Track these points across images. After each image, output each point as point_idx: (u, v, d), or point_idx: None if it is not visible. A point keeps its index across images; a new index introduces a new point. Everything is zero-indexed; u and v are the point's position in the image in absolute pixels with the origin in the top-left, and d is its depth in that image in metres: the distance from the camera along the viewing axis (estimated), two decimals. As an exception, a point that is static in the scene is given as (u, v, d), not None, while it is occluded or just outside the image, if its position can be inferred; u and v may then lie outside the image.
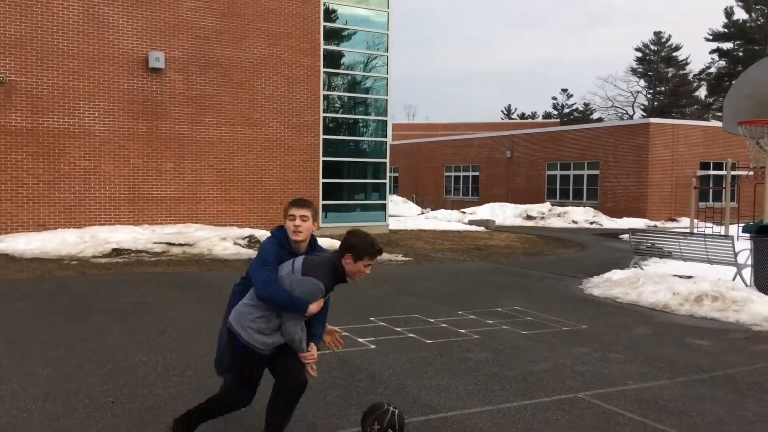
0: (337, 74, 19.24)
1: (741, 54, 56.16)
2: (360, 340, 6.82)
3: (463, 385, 5.36)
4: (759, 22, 56.24)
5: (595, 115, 72.17)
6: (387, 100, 19.98)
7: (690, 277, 9.96)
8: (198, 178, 16.94)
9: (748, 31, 56.26)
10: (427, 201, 38.62)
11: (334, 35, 19.16)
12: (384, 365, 5.91)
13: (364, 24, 19.45)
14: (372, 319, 7.89)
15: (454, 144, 39.14)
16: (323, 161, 18.65)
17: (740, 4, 56.67)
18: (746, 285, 9.80)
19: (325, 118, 18.80)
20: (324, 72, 18.66)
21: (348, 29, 19.38)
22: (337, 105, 19.49)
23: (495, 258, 14.91)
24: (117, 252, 13.53)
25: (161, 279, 10.78)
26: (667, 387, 5.44)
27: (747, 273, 10.22)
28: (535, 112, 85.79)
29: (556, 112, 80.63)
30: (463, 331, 7.34)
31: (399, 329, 7.36)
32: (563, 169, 31.74)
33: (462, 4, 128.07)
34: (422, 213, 31.09)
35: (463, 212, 28.97)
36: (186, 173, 16.80)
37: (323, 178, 18.68)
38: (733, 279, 10.15)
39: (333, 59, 19.08)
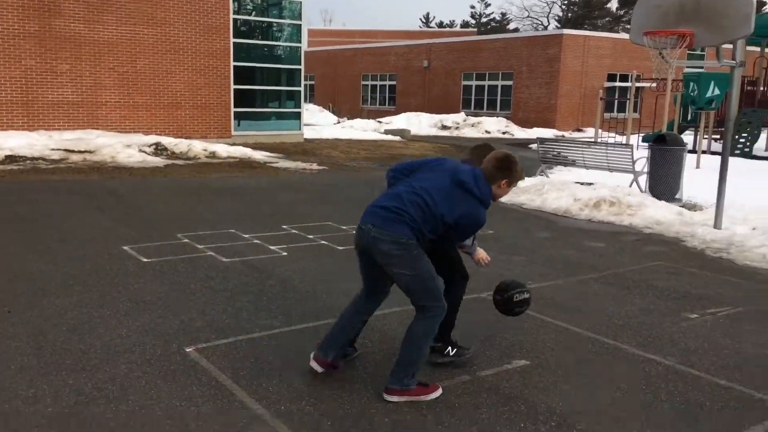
0: (247, -28, 18.17)
1: (652, -33, 57.02)
2: (272, 247, 6.81)
3: (372, 289, 5.48)
4: (671, -65, 56.94)
5: (512, 26, 72.33)
6: (301, 3, 19.14)
7: (591, 184, 10.44)
8: (98, 81, 15.90)
9: (660, -56, 56.96)
10: (344, 110, 38.10)
11: (243, -71, 17.94)
12: (295, 271, 5.95)
13: None
14: (284, 226, 7.87)
15: (372, 52, 38.37)
16: (234, 66, 17.87)
17: None
18: (641, 191, 10.38)
19: (235, 20, 17.86)
20: (233, -30, 17.56)
21: (258, -77, 18.17)
22: (248, 7, 18.53)
23: (409, 167, 15.04)
24: (11, 159, 12.71)
25: (60, 187, 10.26)
26: (563, 286, 5.78)
27: (643, 180, 10.81)
28: (453, 21, 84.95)
29: (473, 21, 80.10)
30: (374, 237, 7.44)
31: (311, 236, 7.38)
32: (479, 79, 31.91)
33: None
34: (338, 122, 30.72)
35: (380, 122, 28.85)
36: (84, 76, 15.71)
37: (235, 84, 17.96)
38: (630, 185, 10.72)
39: (242, -44, 17.95)
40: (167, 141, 15.21)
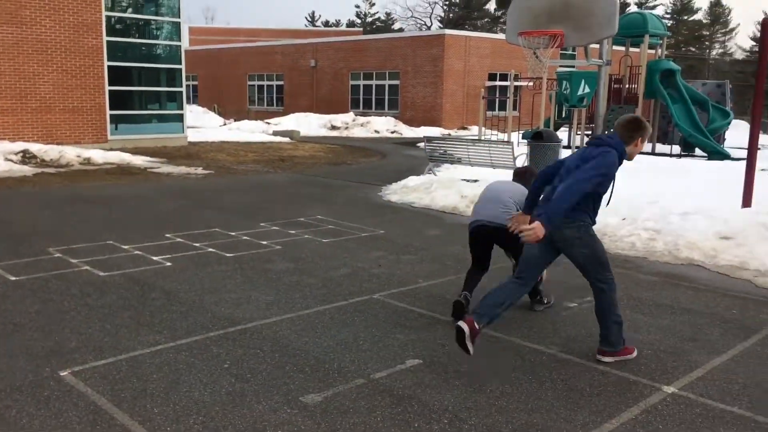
0: (119, -32, 17.27)
1: (526, -30, 59.82)
2: (154, 258, 6.50)
3: (263, 296, 5.37)
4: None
5: (397, 25, 73.50)
6: (180, 0, 18.45)
7: (476, 180, 10.77)
8: (-47, 84, 14.56)
9: (532, -51, 59.89)
10: (230, 111, 37.18)
11: None
12: (180, 282, 5.71)
13: None
14: (168, 235, 7.54)
15: (257, 51, 37.69)
16: (109, 66, 16.94)
17: None
18: (523, 186, 10.84)
19: (109, 17, 16.93)
20: (103, -35, 16.63)
21: None
22: (123, 4, 17.62)
23: (299, 169, 14.91)
24: None
25: None
26: (452, 282, 5.92)
27: (524, 175, 11.29)
28: (339, 20, 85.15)
29: (359, 21, 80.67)
30: (265, 242, 7.30)
31: (197, 244, 7.12)
32: (366, 78, 32.16)
33: None
34: (225, 124, 29.95)
35: (268, 123, 28.42)
36: (-63, 79, 14.33)
37: (110, 85, 17.03)
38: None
39: (113, -49, 17.03)
40: (36, 148, 14.19)
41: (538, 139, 10.76)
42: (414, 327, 4.72)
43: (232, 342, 4.36)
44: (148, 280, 5.73)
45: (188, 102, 24.67)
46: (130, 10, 17.74)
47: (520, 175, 5.41)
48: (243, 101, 38.02)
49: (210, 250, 6.90)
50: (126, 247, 6.92)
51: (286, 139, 23.12)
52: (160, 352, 4.18)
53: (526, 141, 13.63)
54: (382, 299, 5.37)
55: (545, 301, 5.26)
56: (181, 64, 18.78)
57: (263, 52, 37.15)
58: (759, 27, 9.11)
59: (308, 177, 13.45)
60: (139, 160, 14.76)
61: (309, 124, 28.12)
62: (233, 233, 7.74)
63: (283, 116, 30.17)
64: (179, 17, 18.63)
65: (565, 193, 3.89)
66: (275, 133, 25.06)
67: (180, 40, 18.87)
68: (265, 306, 5.12)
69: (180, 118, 19.06)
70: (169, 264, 6.29)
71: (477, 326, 3.94)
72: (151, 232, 7.69)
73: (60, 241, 7.10)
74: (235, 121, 31.07)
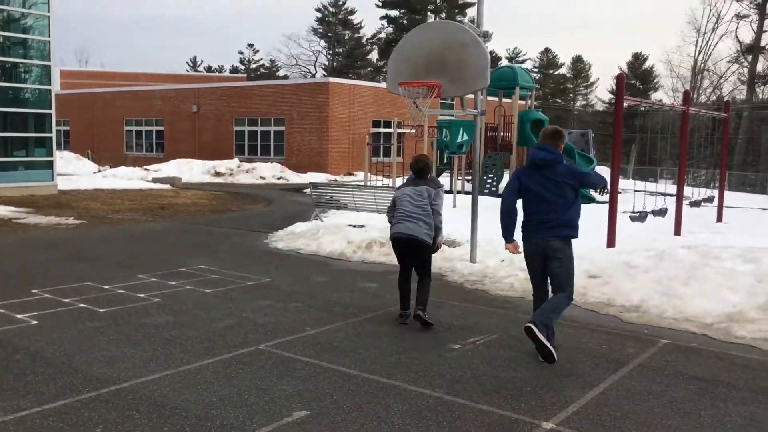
0: (-18, 8, 16.27)
1: (406, 21, 62.35)
2: (18, 316, 6.00)
3: (140, 353, 5.09)
4: (420, -5, 63.06)
5: (281, 72, 73.82)
6: (50, 42, 17.61)
7: (362, 226, 10.90)
8: None
9: (411, 1, 62.70)
10: (106, 158, 35.46)
11: (-24, -40, 16.11)
12: (48, 341, 5.29)
13: (15, -49, 16.70)
14: (34, 291, 7.00)
15: (136, 96, 36.45)
16: (-32, 111, 15.77)
17: (405, -24, 62.72)
18: (408, 230, 11.09)
19: (-31, 59, 15.84)
20: (-37, 3, 15.63)
21: (-6, -45, 16.44)
22: (-14, 45, 16.57)
23: (180, 216, 14.43)
24: None
25: None
26: (340, 329, 5.90)
27: (408, 220, 11.56)
28: (222, 66, 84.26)
29: (243, 67, 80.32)
30: (142, 295, 6.96)
31: (67, 300, 6.66)
32: (251, 124, 31.92)
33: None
34: (99, 171, 28.56)
35: (147, 169, 27.38)
36: None
37: (-29, 130, 15.83)
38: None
39: (-24, -11, 16.06)
40: None
41: (421, 185, 11.08)
42: (301, 377, 4.64)
43: (105, 404, 4.08)
44: (11, 341, 5.27)
45: (59, 148, 23.36)
46: (-7, 51, 16.70)
47: (422, 171, 6.22)
48: (120, 147, 36.46)
49: (81, 305, 6.48)
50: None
51: (167, 186, 22.37)
52: (25, 419, 3.84)
53: (409, 186, 13.97)
54: (269, 350, 5.25)
55: (427, 317, 5.91)
56: (51, 108, 17.83)
57: (142, 97, 35.99)
58: (615, 81, 10.07)
59: (191, 225, 13.04)
60: (3, 210, 13.70)
61: (191, 170, 27.38)
62: (107, 287, 7.32)
63: (164, 162, 29.18)
64: (49, 60, 17.74)
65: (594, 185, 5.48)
66: (155, 180, 24.18)
67: (50, 84, 17.94)
68: (141, 363, 4.85)
69: (49, 165, 17.98)
70: (35, 322, 5.83)
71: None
72: (15, 288, 7.11)
73: None
74: (111, 167, 29.68)
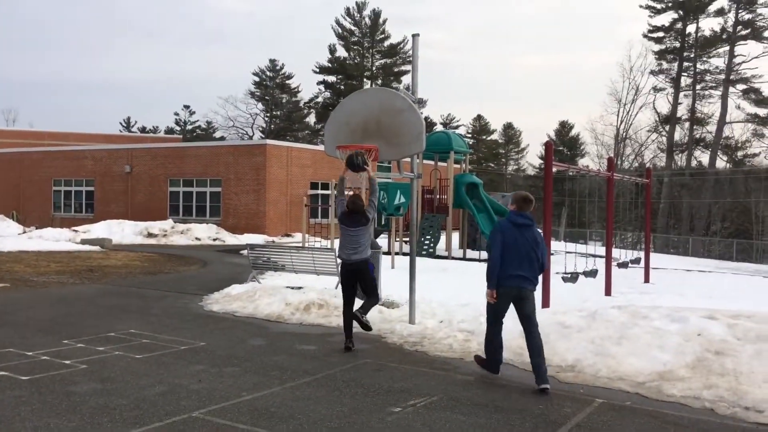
0: None
1: (342, 87, 63.79)
2: (-71, 387, 5.59)
3: (65, 423, 4.81)
4: (356, 61, 64.83)
5: (218, 134, 73.55)
6: (-24, 99, 17.09)
7: (300, 288, 10.79)
8: None
9: (347, 68, 64.35)
10: (32, 218, 34.06)
11: None
12: (-38, 414, 4.94)
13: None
14: (-52, 359, 6.56)
15: (65, 155, 35.46)
16: None
17: (341, 42, 64.55)
18: (346, 292, 11.04)
19: None
20: None
21: None
22: None
23: (110, 279, 13.92)
24: None
25: None
26: (277, 393, 5.75)
27: (347, 281, 11.53)
28: (157, 127, 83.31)
29: (179, 128, 79.69)
30: (68, 362, 6.62)
31: (-15, 368, 6.26)
32: (186, 185, 31.47)
33: (67, 9, 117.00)
34: (24, 232, 27.38)
35: (76, 231, 26.46)
36: None
37: None
38: (336, 287, 11.34)
39: None
40: None
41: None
42: (237, 445, 4.48)
43: (24, 481, 3.82)
44: None
45: (-19, 208, 22.37)
46: None
47: (358, 210, 7.60)
48: (47, 208, 35.16)
49: (2, 373, 6.10)
50: None
51: (97, 248, 21.63)
52: (-69, 502, 3.53)
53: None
54: (202, 417, 5.06)
55: (365, 320, 7.46)
56: (-26, 166, 17.12)
57: (71, 157, 35.05)
58: (544, 148, 10.53)
59: (121, 288, 12.58)
60: None
61: (123, 231, 26.61)
62: (30, 353, 6.93)
63: (94, 223, 28.27)
64: (-25, 117, 17.16)
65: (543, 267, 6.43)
66: (84, 242, 23.35)
67: (-25, 142, 17.29)
68: (67, 435, 4.58)
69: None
70: (-53, 394, 5.45)
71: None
72: (-74, 356, 6.65)
73: None
74: (37, 228, 28.54)
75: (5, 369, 6.26)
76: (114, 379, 6.07)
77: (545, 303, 9.30)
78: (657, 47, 54.02)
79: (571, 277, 11.52)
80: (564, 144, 72.47)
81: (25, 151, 37.16)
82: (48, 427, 4.73)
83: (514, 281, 6.21)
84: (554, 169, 10.84)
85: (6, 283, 12.61)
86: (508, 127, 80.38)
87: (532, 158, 78.87)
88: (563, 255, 14.58)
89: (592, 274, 12.07)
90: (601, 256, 15.20)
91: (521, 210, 6.45)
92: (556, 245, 18.80)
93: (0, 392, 5.53)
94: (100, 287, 12.63)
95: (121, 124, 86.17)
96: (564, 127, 74.85)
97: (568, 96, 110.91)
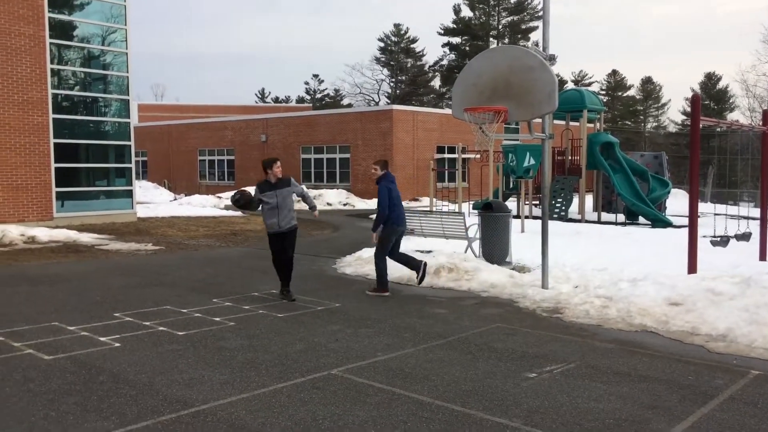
0: (68, 47, 17.29)
1: (467, 48, 62.59)
2: (102, 339, 6.24)
3: (217, 375, 5.18)
4: (482, 20, 63.21)
5: (345, 101, 75.13)
6: (128, 77, 18.51)
7: (430, 251, 10.85)
8: None
9: (473, 28, 62.92)
10: (181, 186, 36.86)
11: (64, 3, 17.17)
12: (130, 363, 5.47)
13: (98, -8, 17.72)
14: (116, 314, 7.27)
15: (208, 127, 37.84)
16: (55, 143, 16.69)
17: (466, 2, 63.10)
18: (476, 256, 10.96)
19: (56, 95, 16.82)
20: (52, 44, 16.65)
21: (80, -3, 17.50)
22: (70, 81, 17.55)
23: (252, 242, 14.76)
24: None
25: None
26: (411, 355, 5.85)
27: (476, 245, 11.44)
28: (289, 97, 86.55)
29: (309, 97, 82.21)
30: (218, 319, 7.12)
31: (148, 323, 6.88)
32: (317, 152, 32.53)
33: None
34: (175, 199, 29.64)
35: (219, 197, 28.24)
36: None
37: (56, 162, 16.73)
38: (465, 251, 11.29)
39: (63, 30, 17.10)
40: (-25, 226, 13.68)
41: (488, 210, 10.97)
42: (374, 403, 4.61)
43: (185, 426, 4.16)
44: (95, 363, 5.47)
45: (138, 178, 24.38)
46: (77, 87, 17.68)
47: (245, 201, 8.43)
48: (194, 176, 37.82)
49: (161, 328, 6.68)
50: (72, 328, 6.64)
51: (239, 213, 22.96)
52: (108, 441, 3.95)
53: (476, 211, 13.86)
54: (340, 374, 5.25)
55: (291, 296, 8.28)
56: (130, 140, 18.67)
57: (214, 128, 37.32)
58: (689, 102, 9.70)
59: (261, 251, 13.30)
60: (86, 238, 14.37)
61: (260, 198, 28.04)
62: (185, 310, 7.53)
63: (234, 190, 30.05)
64: (128, 95, 18.64)
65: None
66: (227, 207, 24.87)
67: (129, 117, 18.80)
68: (219, 386, 4.94)
69: (129, 194, 18.77)
70: (117, 345, 6.04)
71: None
72: (99, 311, 7.41)
73: (2, 323, 6.77)
74: (186, 195, 30.79)
75: (164, 325, 6.84)
76: (259, 336, 6.45)
77: (692, 268, 8.71)
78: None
79: (722, 241, 10.67)
80: (710, 98, 66.91)
81: (173, 124, 40.02)
82: (202, 378, 5.12)
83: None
84: (701, 125, 10.00)
85: (162, 246, 13.74)
86: (647, 82, 75.34)
87: (674, 114, 73.69)
88: (712, 217, 13.53)
89: (744, 237, 11.11)
90: (754, 218, 13.96)
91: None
92: (703, 207, 17.51)
93: (160, 346, 6.06)
94: (243, 250, 13.42)
95: (256, 95, 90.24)
96: (710, 80, 69.01)
97: (713, 45, 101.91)
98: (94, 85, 18.03)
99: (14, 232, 13.75)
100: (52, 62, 16.66)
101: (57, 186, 16.76)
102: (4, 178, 15.72)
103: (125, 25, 18.30)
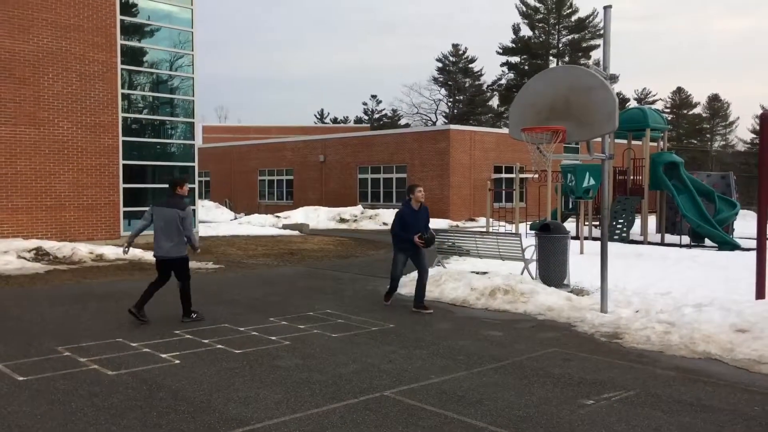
0: (138, 72, 18.07)
1: (527, 67, 62.16)
2: (163, 355, 6.43)
3: (272, 395, 5.26)
4: (541, 39, 62.72)
5: (403, 121, 75.61)
6: (194, 101, 19.18)
7: (485, 273, 10.75)
8: (-27, 183, 14.93)
9: (532, 47, 62.48)
10: (241, 206, 37.78)
11: (135, 30, 18.00)
12: (188, 380, 5.62)
13: (166, 20, 18.48)
14: (177, 332, 7.49)
15: (268, 147, 38.75)
16: (124, 165, 17.40)
17: (525, 21, 62.79)
18: (532, 278, 10.80)
19: (125, 118, 17.56)
20: (123, 69, 17.44)
21: (150, 25, 18.29)
22: (139, 105, 18.31)
23: (308, 262, 14.96)
24: None
25: (-76, 301, 9.33)
26: (464, 378, 5.79)
27: (533, 267, 11.27)
28: (347, 117, 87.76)
29: (366, 117, 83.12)
30: (274, 338, 7.24)
31: (206, 341, 7.06)
32: (374, 172, 32.81)
33: (265, 6, 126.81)
34: (235, 218, 30.36)
35: (278, 216, 28.78)
36: (-43, 178, 14.73)
37: (124, 182, 17.42)
38: (522, 273, 11.14)
39: (134, 56, 17.90)
40: (49, 245, 14.36)
41: (546, 231, 10.81)
42: (427, 426, 4.58)
43: (240, 444, 4.24)
44: (156, 379, 5.65)
45: (200, 197, 25.08)
46: (146, 111, 18.42)
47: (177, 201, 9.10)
48: (254, 196, 38.71)
49: (219, 346, 6.84)
50: (135, 344, 6.87)
51: (296, 233, 23.33)
52: (166, 456, 4.06)
53: (533, 232, 13.68)
54: (393, 396, 5.25)
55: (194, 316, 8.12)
56: (194, 161, 19.28)
57: (273, 149, 38.18)
58: (758, 120, 9.36)
59: (317, 270, 13.47)
60: (150, 256, 14.84)
61: (318, 217, 28.45)
62: (242, 329, 7.68)
63: (293, 210, 30.58)
64: (193, 118, 19.30)
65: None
66: (285, 227, 25.31)
67: (194, 139, 19.45)
68: (273, 405, 5.01)
69: (192, 214, 19.35)
70: (177, 362, 6.22)
71: None
72: (161, 328, 7.65)
73: (69, 339, 7.07)
74: (246, 215, 31.50)
75: (221, 342, 7.00)
76: (313, 355, 6.52)
77: (761, 293, 8.33)
78: None
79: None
80: (782, 114, 64.09)
81: (235, 145, 41.19)
82: (257, 397, 5.21)
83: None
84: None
85: (222, 264, 14.09)
86: (714, 99, 73.00)
87: (742, 132, 70.96)
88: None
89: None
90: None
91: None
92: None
93: (217, 363, 6.20)
94: (300, 269, 13.62)
95: (315, 115, 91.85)
96: (782, 96, 66.17)
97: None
98: (161, 108, 18.75)
99: (83, 250, 14.37)
100: (122, 87, 17.43)
101: (124, 206, 17.43)
102: (76, 198, 16.46)
103: (192, 50, 19.01)
